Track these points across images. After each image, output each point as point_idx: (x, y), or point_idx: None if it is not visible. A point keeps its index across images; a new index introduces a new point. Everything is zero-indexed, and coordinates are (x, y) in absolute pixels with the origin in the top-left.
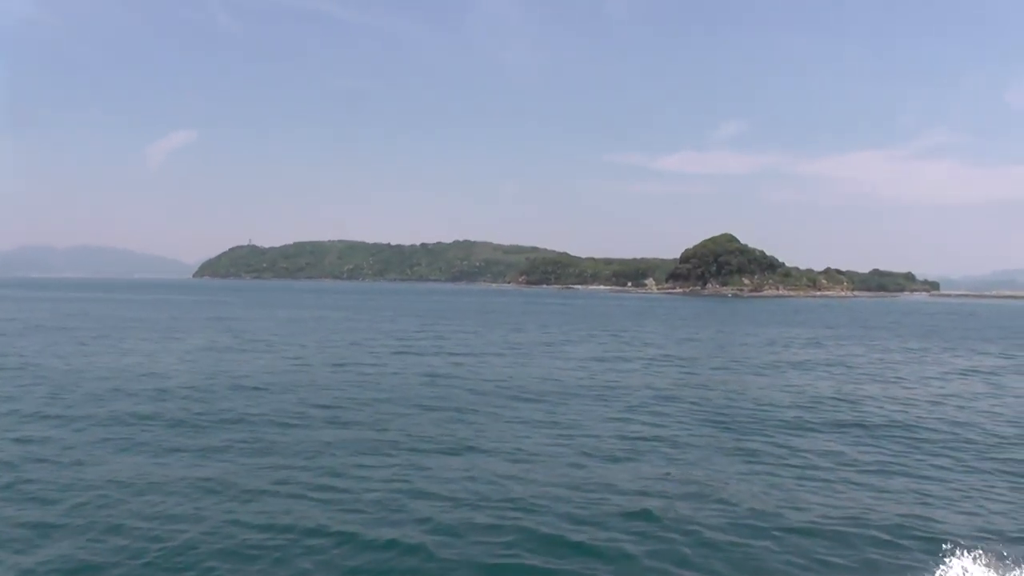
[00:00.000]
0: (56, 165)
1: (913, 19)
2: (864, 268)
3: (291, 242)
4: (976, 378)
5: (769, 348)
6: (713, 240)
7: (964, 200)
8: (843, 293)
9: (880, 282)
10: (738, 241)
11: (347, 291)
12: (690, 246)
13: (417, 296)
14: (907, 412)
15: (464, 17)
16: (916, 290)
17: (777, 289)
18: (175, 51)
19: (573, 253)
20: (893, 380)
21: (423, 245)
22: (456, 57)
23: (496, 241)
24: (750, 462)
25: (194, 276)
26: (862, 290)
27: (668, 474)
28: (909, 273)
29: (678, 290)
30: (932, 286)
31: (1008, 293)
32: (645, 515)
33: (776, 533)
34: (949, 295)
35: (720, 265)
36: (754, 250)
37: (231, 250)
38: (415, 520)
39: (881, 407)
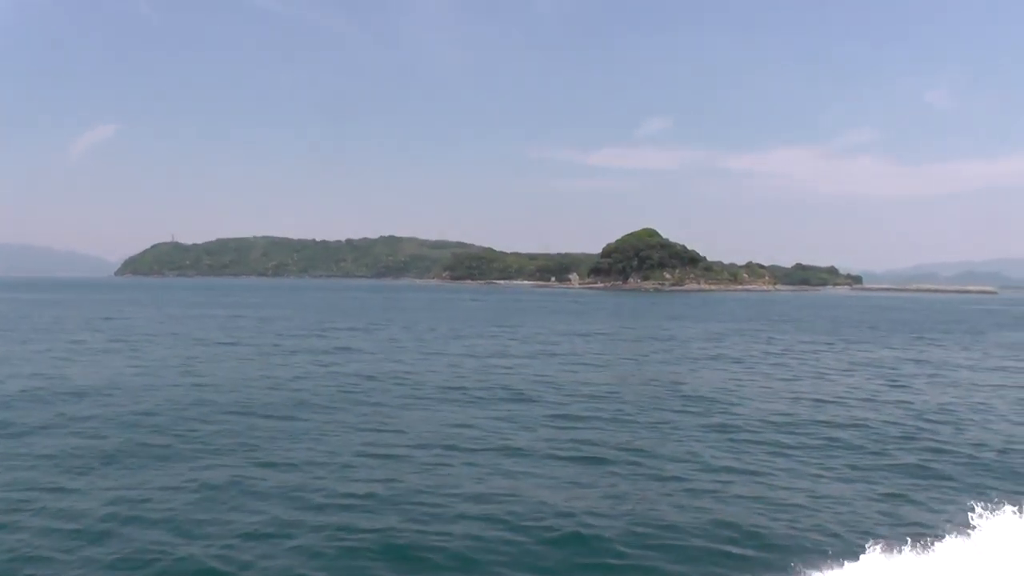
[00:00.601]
0: None
1: (836, 19)
2: (790, 262)
3: (215, 238)
4: (864, 374)
5: (667, 343)
6: (634, 235)
7: (887, 197)
8: (765, 287)
9: (803, 276)
10: (660, 236)
11: (260, 288)
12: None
13: (330, 293)
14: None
15: (392, 13)
16: (839, 284)
17: (699, 283)
18: (94, 43)
19: (502, 249)
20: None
21: (348, 241)
22: (383, 52)
23: (423, 237)
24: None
25: (116, 274)
26: (785, 284)
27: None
28: (832, 267)
29: (599, 285)
30: (854, 280)
31: (926, 287)
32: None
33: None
34: (870, 289)
35: (641, 260)
36: (675, 245)
37: (153, 247)
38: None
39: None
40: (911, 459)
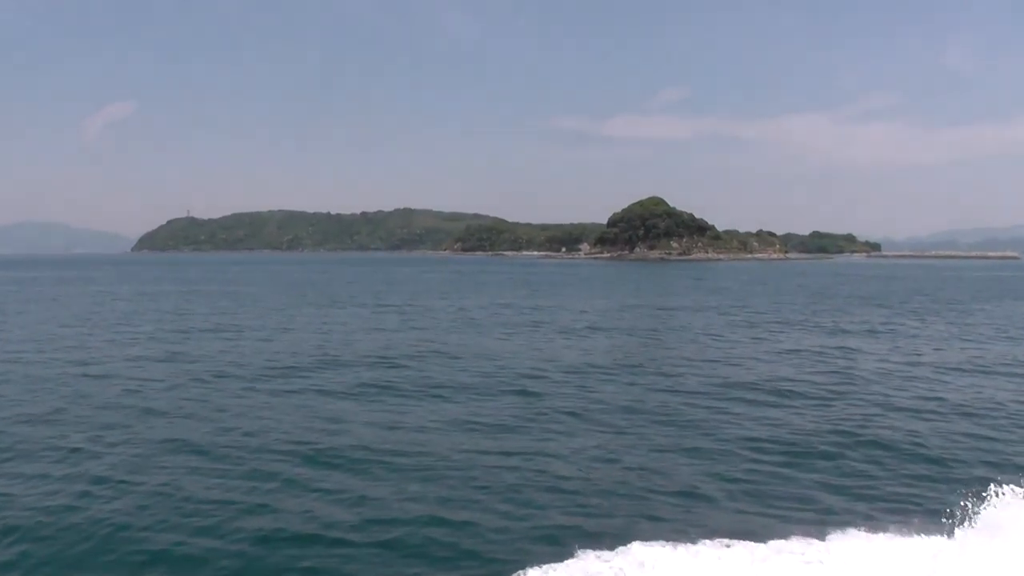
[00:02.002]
0: None
1: None
2: (809, 231)
3: (230, 213)
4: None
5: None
6: (641, 203)
7: (906, 162)
8: (775, 255)
9: (820, 244)
10: (667, 204)
11: (263, 262)
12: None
13: (336, 266)
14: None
15: None
16: (856, 251)
17: (706, 252)
18: (110, 21)
19: (517, 220)
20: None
21: (363, 214)
22: (396, 23)
23: (438, 209)
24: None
25: (133, 250)
26: (802, 252)
27: None
28: (849, 235)
29: (605, 255)
30: (872, 247)
31: (945, 253)
32: None
33: None
34: (887, 256)
35: (648, 229)
36: (682, 213)
37: (169, 223)
38: None
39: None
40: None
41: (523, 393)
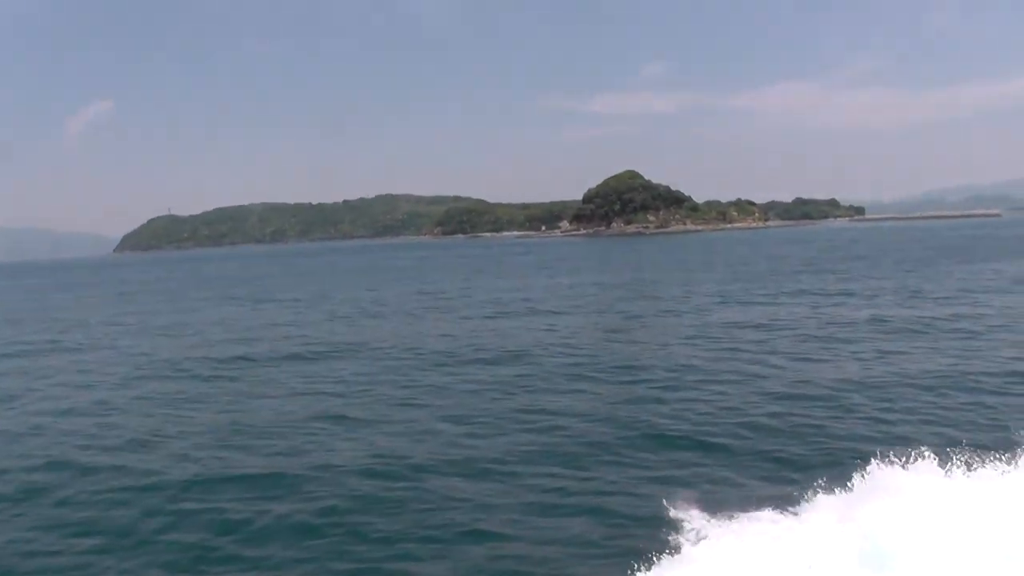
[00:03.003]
0: None
1: None
2: (794, 198)
3: (212, 208)
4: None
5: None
6: (616, 178)
7: (891, 125)
8: (754, 224)
9: (804, 211)
10: (642, 178)
11: (237, 257)
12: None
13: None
14: None
15: None
16: (840, 216)
17: (684, 224)
18: (83, 18)
19: (499, 201)
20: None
21: (346, 202)
22: (372, 6)
23: (420, 193)
24: None
25: (115, 251)
26: (786, 219)
27: None
28: (833, 199)
29: (582, 232)
30: (857, 211)
31: (930, 214)
32: None
33: None
34: (870, 219)
35: (624, 203)
36: (658, 186)
37: (150, 221)
38: None
39: None
40: None
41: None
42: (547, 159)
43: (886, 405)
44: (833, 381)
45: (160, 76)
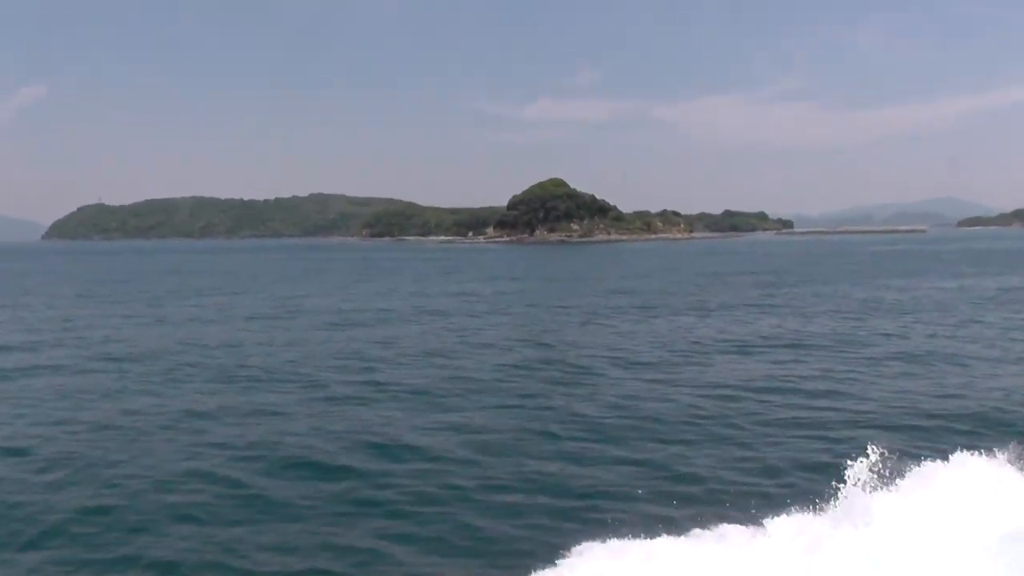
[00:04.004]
0: None
1: None
2: (721, 211)
3: (142, 200)
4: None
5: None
6: (541, 185)
7: (821, 142)
8: (679, 235)
9: (732, 223)
10: (567, 186)
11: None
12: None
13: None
14: None
15: None
16: (768, 229)
17: (608, 234)
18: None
19: (434, 204)
20: None
21: (277, 200)
22: (311, 3)
23: (352, 194)
24: None
25: (43, 238)
26: (714, 231)
27: None
28: (761, 213)
29: (505, 238)
30: (785, 224)
31: (855, 229)
32: None
33: None
34: (796, 233)
35: (548, 211)
36: (583, 194)
37: (79, 210)
38: None
39: None
40: None
41: None
42: (482, 163)
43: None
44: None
45: (95, 62)
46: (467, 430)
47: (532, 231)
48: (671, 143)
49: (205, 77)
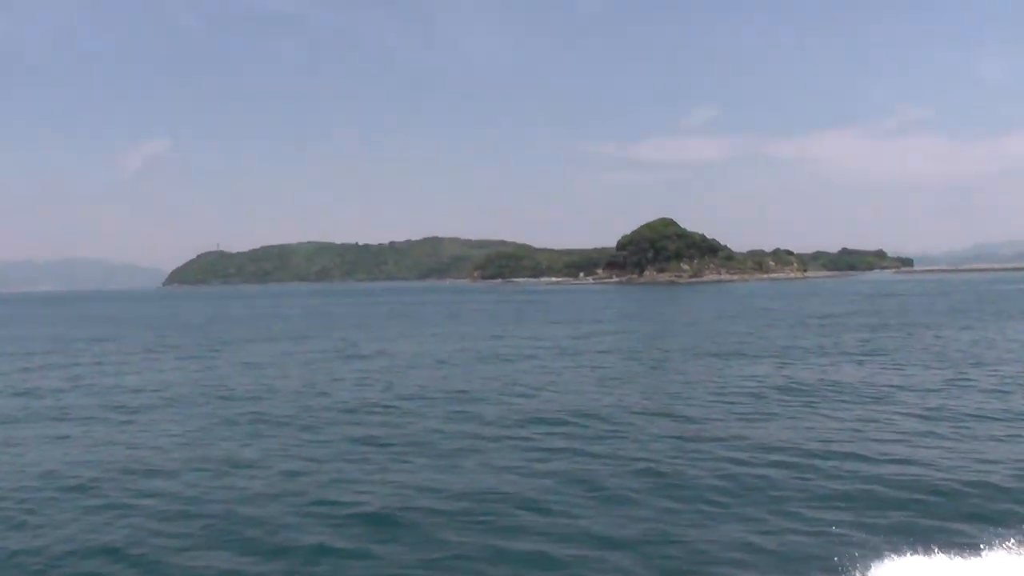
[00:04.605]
0: (34, 178)
1: None
2: (842, 248)
3: (259, 246)
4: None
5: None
6: (649, 226)
7: (943, 175)
8: (792, 275)
9: (849, 261)
10: (677, 225)
11: (252, 296)
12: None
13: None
14: None
15: (430, 11)
16: (885, 268)
17: (719, 274)
18: (142, 57)
19: (545, 246)
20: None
21: (391, 244)
22: (421, 52)
23: (466, 237)
24: None
25: (164, 284)
26: (832, 270)
27: None
28: (880, 251)
29: (614, 279)
30: (904, 263)
31: (980, 267)
32: None
33: None
34: (916, 271)
35: (657, 251)
36: (693, 234)
37: (199, 257)
38: None
39: None
40: None
41: None
42: (594, 204)
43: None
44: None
45: (216, 115)
46: None
47: (641, 271)
48: (787, 180)
49: (319, 124)
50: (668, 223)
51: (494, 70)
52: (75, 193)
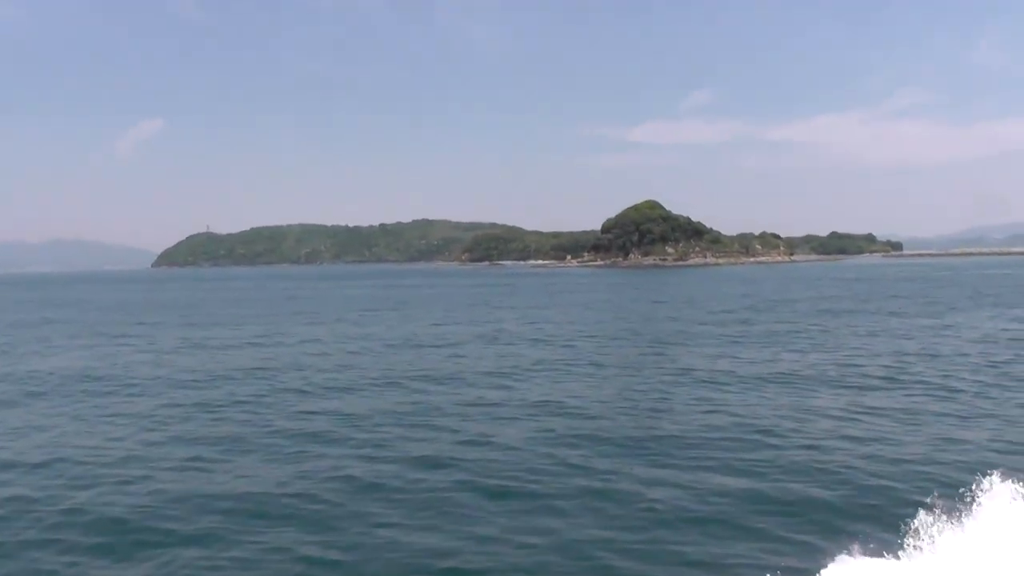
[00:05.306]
0: (28, 159)
1: None
2: (836, 232)
3: (249, 227)
4: None
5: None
6: (635, 208)
7: (938, 159)
8: (779, 258)
9: (839, 245)
10: (663, 208)
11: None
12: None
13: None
14: None
15: None
16: (875, 251)
17: (704, 257)
18: (137, 39)
19: (537, 228)
20: None
21: (382, 226)
22: (418, 33)
23: (457, 219)
24: None
25: (153, 266)
26: (820, 254)
27: None
28: (869, 234)
29: (598, 262)
30: (894, 247)
31: (968, 251)
32: None
33: None
34: (904, 255)
35: (642, 234)
36: (679, 217)
37: (188, 238)
38: None
39: None
40: None
41: None
42: (588, 186)
43: None
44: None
45: (209, 97)
46: None
47: (626, 255)
48: (783, 164)
49: (312, 107)
50: (653, 205)
51: (491, 53)
52: (67, 174)
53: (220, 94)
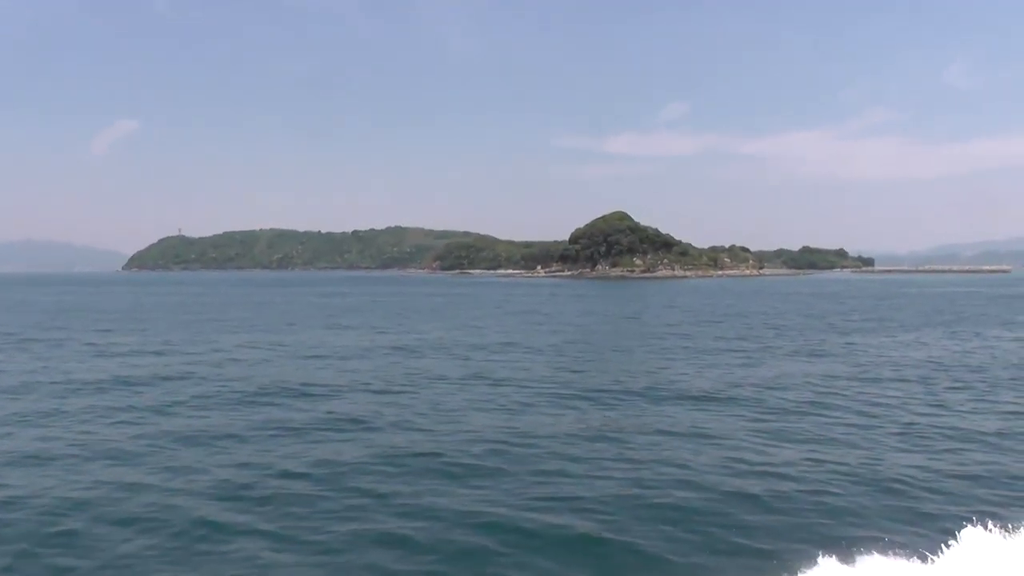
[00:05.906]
0: None
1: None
2: (810, 247)
3: (221, 232)
4: None
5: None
6: (604, 219)
7: (909, 177)
8: (747, 272)
9: (810, 259)
10: (631, 219)
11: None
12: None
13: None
14: None
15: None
16: (846, 267)
17: (672, 269)
18: (111, 38)
19: (510, 238)
20: None
21: (354, 232)
22: (395, 40)
23: (430, 227)
24: None
25: (123, 269)
26: (792, 268)
27: None
28: (840, 250)
29: (566, 273)
30: (865, 262)
31: (938, 268)
32: None
33: None
34: (875, 271)
35: (610, 245)
36: (647, 228)
37: (160, 241)
38: None
39: None
40: None
41: None
42: (563, 197)
43: None
44: None
45: (184, 98)
46: None
47: (594, 265)
48: (755, 178)
49: (287, 111)
50: (622, 216)
51: (469, 62)
52: (40, 174)
53: (196, 96)
